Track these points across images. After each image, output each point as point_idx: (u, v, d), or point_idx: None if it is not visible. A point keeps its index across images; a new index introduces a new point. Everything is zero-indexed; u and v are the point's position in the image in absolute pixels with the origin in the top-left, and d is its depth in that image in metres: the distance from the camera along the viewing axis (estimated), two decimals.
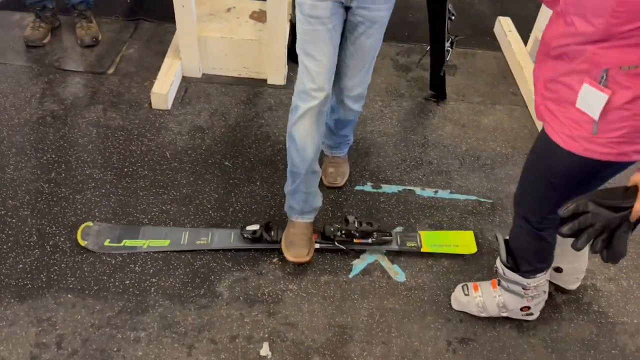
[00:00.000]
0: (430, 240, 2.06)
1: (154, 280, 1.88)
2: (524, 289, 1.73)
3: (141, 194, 2.16)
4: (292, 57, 2.79)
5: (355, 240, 1.97)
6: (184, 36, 2.62)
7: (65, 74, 2.69)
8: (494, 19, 3.33)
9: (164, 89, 2.54)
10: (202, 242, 1.99)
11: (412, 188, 2.29)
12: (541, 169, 1.47)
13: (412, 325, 1.83)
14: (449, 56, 2.61)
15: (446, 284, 1.96)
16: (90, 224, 2.02)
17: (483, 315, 1.84)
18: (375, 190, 2.27)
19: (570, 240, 1.40)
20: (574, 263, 1.85)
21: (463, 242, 2.08)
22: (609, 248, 1.22)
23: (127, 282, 1.86)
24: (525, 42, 3.07)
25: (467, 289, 1.86)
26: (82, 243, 1.95)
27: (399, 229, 2.13)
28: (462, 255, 2.05)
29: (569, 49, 1.26)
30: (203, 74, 2.77)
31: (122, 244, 1.97)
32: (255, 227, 1.97)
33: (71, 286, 1.83)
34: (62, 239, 1.97)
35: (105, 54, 2.83)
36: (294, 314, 1.83)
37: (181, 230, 2.02)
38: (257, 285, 1.89)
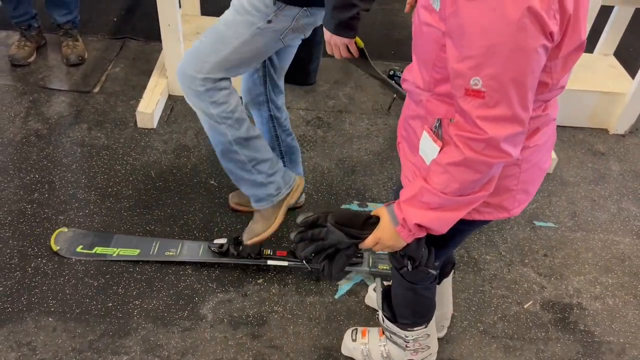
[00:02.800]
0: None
1: (137, 302, 1.85)
2: (404, 341, 1.62)
3: (125, 214, 2.14)
4: None
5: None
6: (170, 55, 2.61)
7: (50, 92, 2.68)
8: None
9: (149, 107, 2.53)
10: (170, 253, 1.98)
11: None
12: None
13: None
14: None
15: None
16: (64, 229, 2.02)
17: None
18: (361, 208, 2.27)
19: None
20: (439, 310, 1.68)
21: None
22: (328, 262, 1.26)
23: (110, 304, 1.84)
24: None
25: (356, 334, 1.76)
26: (55, 248, 1.96)
27: None
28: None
29: (412, 90, 1.19)
30: None
31: (93, 251, 1.98)
32: (223, 240, 1.96)
33: (52, 309, 1.80)
34: (43, 261, 1.94)
35: (91, 73, 2.82)
36: (279, 336, 1.81)
37: (152, 241, 2.02)
38: (242, 307, 1.87)
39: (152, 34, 2.94)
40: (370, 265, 1.99)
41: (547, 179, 2.51)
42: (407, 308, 1.57)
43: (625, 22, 2.87)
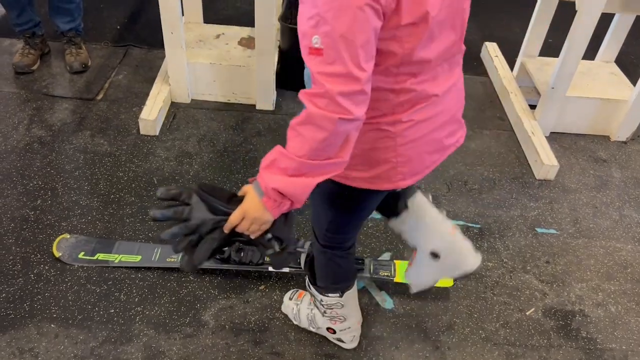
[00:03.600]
0: (405, 270, 1.99)
1: (139, 308, 1.86)
2: (322, 306, 1.69)
3: (127, 220, 2.15)
4: (281, 82, 2.81)
5: None
6: (173, 62, 2.63)
7: (54, 100, 2.69)
8: (480, 44, 3.37)
9: (152, 114, 2.54)
10: (172, 259, 1.98)
11: None
12: (315, 192, 1.29)
13: (400, 353, 1.81)
14: None
15: (434, 310, 1.94)
16: (67, 235, 2.03)
17: (296, 323, 1.84)
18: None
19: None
20: (415, 239, 1.65)
21: None
22: (191, 252, 1.17)
23: (112, 311, 1.84)
24: (512, 67, 3.11)
25: (294, 294, 1.88)
26: (57, 254, 1.96)
27: (386, 254, 2.12)
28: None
29: None
30: (192, 100, 2.78)
31: (95, 258, 1.98)
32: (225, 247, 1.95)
33: (55, 315, 1.81)
34: (46, 267, 1.95)
35: (94, 80, 2.84)
36: (281, 342, 1.80)
37: (153, 247, 2.03)
38: (243, 313, 1.88)
39: (155, 41, 2.96)
40: (372, 271, 1.99)
41: (549, 185, 2.51)
42: (322, 272, 1.64)
43: (626, 29, 2.88)
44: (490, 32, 3.55)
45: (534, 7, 2.90)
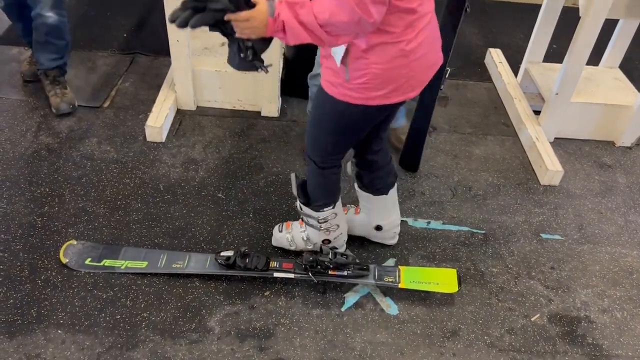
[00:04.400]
0: (410, 276, 2.00)
1: (145, 314, 1.87)
2: (318, 222, 1.95)
3: (134, 227, 2.16)
4: (286, 89, 2.83)
5: (330, 272, 1.96)
6: (179, 70, 2.66)
7: None
8: (484, 50, 3.38)
9: (158, 121, 2.56)
10: (178, 265, 2.00)
11: (404, 219, 2.30)
12: (318, 116, 1.74)
13: (405, 359, 1.81)
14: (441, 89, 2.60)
15: (439, 316, 1.95)
16: (73, 242, 2.05)
17: (292, 248, 2.07)
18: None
19: (383, 199, 2.02)
20: (389, 218, 2.09)
21: (444, 279, 2.01)
22: (192, 15, 1.35)
23: (118, 316, 1.85)
24: (516, 73, 3.12)
25: (281, 227, 2.10)
26: (64, 261, 1.98)
27: (391, 260, 2.13)
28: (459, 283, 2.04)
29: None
30: (197, 107, 2.80)
31: (102, 264, 1.99)
32: (230, 253, 1.97)
33: (61, 321, 1.82)
34: (53, 274, 1.96)
35: (101, 88, 2.87)
36: (286, 348, 1.81)
37: (159, 253, 2.04)
38: (249, 319, 1.88)
39: (161, 49, 2.99)
40: (376, 277, 1.99)
41: (554, 191, 2.51)
42: (318, 190, 1.91)
43: (631, 34, 2.89)
44: (494, 38, 3.56)
45: (538, 12, 2.91)
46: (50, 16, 2.46)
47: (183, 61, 2.62)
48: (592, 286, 2.11)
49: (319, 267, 1.94)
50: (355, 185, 2.08)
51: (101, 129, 2.62)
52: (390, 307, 1.97)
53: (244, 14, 1.37)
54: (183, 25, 1.35)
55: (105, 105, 2.77)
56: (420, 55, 1.54)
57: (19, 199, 2.23)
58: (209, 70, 2.70)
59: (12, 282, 1.93)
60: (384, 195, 2.02)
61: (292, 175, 1.97)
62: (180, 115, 2.75)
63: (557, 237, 2.30)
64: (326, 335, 1.86)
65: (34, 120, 2.63)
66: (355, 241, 2.17)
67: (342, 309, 1.94)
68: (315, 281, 1.96)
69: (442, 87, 2.54)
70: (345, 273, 1.96)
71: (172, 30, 2.52)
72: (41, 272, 1.97)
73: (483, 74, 3.27)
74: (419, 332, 1.89)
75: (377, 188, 2.01)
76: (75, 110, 2.70)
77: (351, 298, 1.98)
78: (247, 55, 1.45)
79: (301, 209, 1.98)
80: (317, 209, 1.94)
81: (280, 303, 1.94)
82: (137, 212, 2.23)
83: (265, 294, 1.97)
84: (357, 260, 2.01)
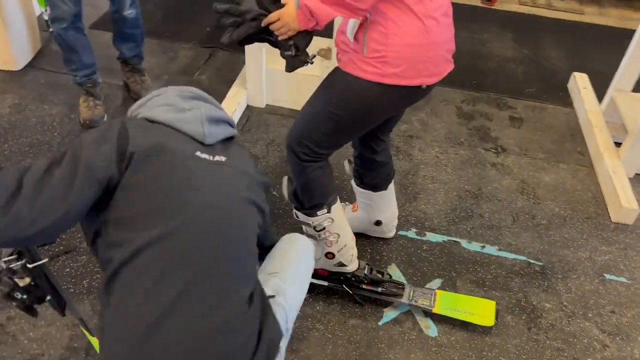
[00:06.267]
0: (445, 302, 1.93)
1: None
2: (315, 230, 1.81)
3: None
4: None
5: (364, 286, 1.93)
6: (252, 67, 2.71)
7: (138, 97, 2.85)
8: (569, 74, 3.21)
9: None
10: None
11: (458, 240, 2.22)
12: (322, 95, 1.68)
13: None
14: None
15: (480, 345, 1.86)
16: None
17: None
18: (418, 237, 2.22)
19: (382, 195, 1.97)
20: (388, 212, 2.06)
21: (480, 311, 1.91)
22: (233, 31, 1.50)
23: None
24: (600, 101, 2.94)
25: None
26: None
27: (437, 281, 2.06)
28: (498, 317, 1.95)
29: None
30: (267, 105, 2.85)
31: None
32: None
33: None
34: None
35: (177, 79, 2.98)
36: (316, 354, 1.80)
37: None
38: None
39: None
40: (411, 298, 1.94)
41: (625, 230, 2.34)
42: (305, 190, 1.76)
43: None
44: (580, 62, 3.37)
45: (631, 39, 2.72)
46: (130, 12, 2.59)
47: (257, 59, 2.68)
48: None
49: (353, 279, 1.91)
50: (353, 182, 2.04)
51: None
52: (429, 328, 1.91)
53: (274, 13, 1.48)
54: (232, 43, 1.50)
55: None
56: (440, 40, 1.54)
57: None
58: (281, 69, 2.73)
59: (70, 252, 2.04)
60: (384, 191, 1.99)
61: (285, 178, 1.86)
62: (249, 111, 2.81)
63: (622, 279, 2.13)
64: (359, 347, 1.83)
65: (114, 102, 2.78)
66: (402, 256, 2.12)
67: (379, 323, 1.90)
68: (350, 292, 1.93)
69: None
70: (379, 289, 1.93)
71: None
72: None
73: (565, 99, 3.10)
74: (455, 358, 1.82)
75: (377, 184, 1.98)
76: None
77: (390, 313, 1.94)
78: (291, 52, 1.54)
79: (297, 216, 1.85)
80: (310, 213, 1.79)
81: (318, 308, 1.93)
82: None
83: (305, 296, 1.96)
84: (393, 279, 1.98)
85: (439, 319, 1.93)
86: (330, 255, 1.86)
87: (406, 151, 2.64)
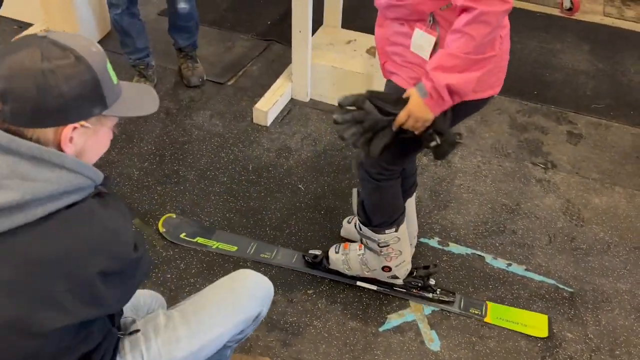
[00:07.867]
0: (497, 313, 1.89)
1: (192, 280, 1.94)
2: (378, 245, 1.76)
3: (213, 198, 2.26)
4: None
5: (414, 291, 1.89)
6: (297, 60, 2.71)
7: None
8: None
9: (265, 106, 2.65)
10: (266, 256, 2.04)
11: (482, 254, 2.09)
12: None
13: None
14: None
15: None
16: (173, 215, 2.18)
17: (349, 273, 1.90)
18: (440, 246, 2.12)
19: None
20: (407, 229, 1.86)
21: (533, 323, 1.88)
22: (367, 146, 1.44)
23: (168, 275, 1.95)
24: None
25: (339, 247, 1.92)
26: (162, 229, 2.11)
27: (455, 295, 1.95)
28: (510, 342, 1.81)
29: (390, 4, 1.43)
30: (310, 99, 2.84)
31: (195, 240, 2.09)
32: (318, 252, 1.98)
33: (153, 279, 1.92)
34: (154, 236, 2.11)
35: (231, 67, 3.04)
36: (309, 351, 1.76)
37: (250, 241, 2.09)
38: (284, 311, 1.86)
39: None
40: (461, 307, 1.89)
41: None
42: (376, 208, 1.73)
43: None
44: None
45: None
46: (183, 8, 2.66)
47: (302, 52, 2.67)
48: None
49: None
50: None
51: (217, 104, 2.78)
52: (433, 341, 1.81)
53: (402, 115, 1.38)
54: (375, 156, 1.47)
55: (229, 83, 2.94)
56: (508, 48, 1.49)
57: (126, 152, 2.46)
58: (326, 65, 2.72)
59: None
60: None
61: (354, 191, 1.80)
62: (292, 104, 2.81)
63: None
64: (353, 351, 1.76)
65: (164, 85, 2.88)
66: (420, 264, 2.03)
67: (380, 329, 1.83)
68: (396, 296, 1.91)
69: None
70: (430, 295, 1.90)
71: (296, 20, 2.58)
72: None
73: (635, 118, 2.84)
74: None
75: None
76: (204, 84, 2.90)
77: (393, 320, 1.86)
78: (436, 141, 1.42)
79: (360, 229, 1.80)
80: (377, 230, 1.75)
81: (319, 305, 1.89)
82: (220, 184, 2.33)
83: (309, 291, 1.93)
84: (444, 288, 1.94)
85: (445, 335, 1.83)
86: (387, 269, 1.83)
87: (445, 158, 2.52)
